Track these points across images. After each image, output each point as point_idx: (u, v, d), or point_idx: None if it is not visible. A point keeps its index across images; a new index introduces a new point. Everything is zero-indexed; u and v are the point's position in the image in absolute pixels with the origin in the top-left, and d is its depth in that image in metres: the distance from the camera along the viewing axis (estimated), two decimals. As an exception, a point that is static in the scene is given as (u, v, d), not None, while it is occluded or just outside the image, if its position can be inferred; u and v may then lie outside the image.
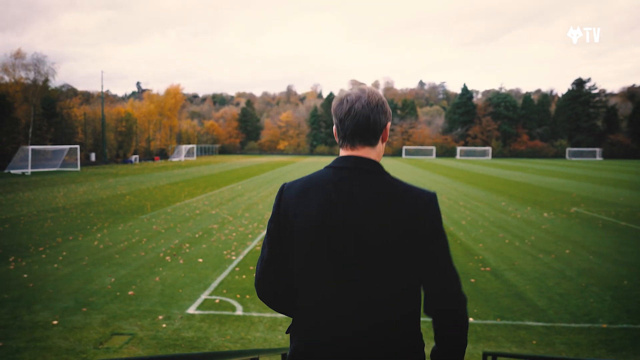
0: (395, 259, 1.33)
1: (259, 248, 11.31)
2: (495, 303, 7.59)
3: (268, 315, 7.02)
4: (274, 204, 1.52)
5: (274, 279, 1.48)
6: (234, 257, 10.38)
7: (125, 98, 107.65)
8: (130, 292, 7.93)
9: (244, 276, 8.93)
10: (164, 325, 6.58)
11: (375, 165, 1.41)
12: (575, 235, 13.04)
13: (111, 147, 58.95)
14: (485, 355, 3.95)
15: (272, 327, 6.60)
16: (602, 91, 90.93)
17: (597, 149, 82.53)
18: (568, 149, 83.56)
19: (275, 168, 46.06)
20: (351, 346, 1.35)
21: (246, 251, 10.99)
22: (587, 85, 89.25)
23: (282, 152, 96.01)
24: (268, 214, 16.49)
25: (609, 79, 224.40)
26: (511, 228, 14.18)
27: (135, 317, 6.88)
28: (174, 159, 66.15)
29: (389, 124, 1.52)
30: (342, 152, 1.48)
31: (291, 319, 1.63)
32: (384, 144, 1.50)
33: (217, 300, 7.62)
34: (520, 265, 9.82)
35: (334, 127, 1.52)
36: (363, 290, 1.34)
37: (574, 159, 79.49)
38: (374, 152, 1.44)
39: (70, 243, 11.64)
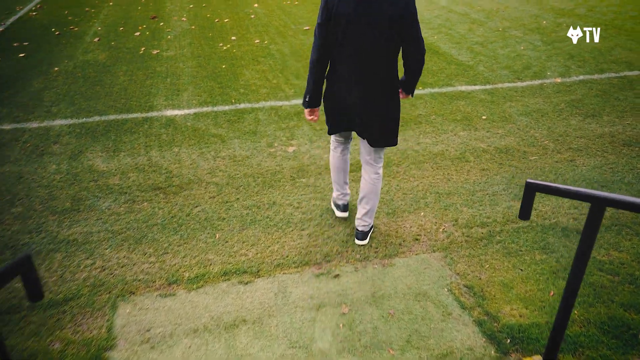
0: (390, 32, 2.28)
1: None
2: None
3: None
4: (321, 3, 2.33)
5: (326, 52, 2.40)
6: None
7: None
8: None
9: None
10: None
11: None
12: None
13: None
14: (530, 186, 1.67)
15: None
16: None
17: None
18: None
19: None
20: (362, 78, 2.39)
21: None
22: None
23: None
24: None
25: None
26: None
27: None
28: None
29: None
30: None
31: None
32: None
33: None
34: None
35: None
36: (374, 49, 2.33)
37: None
38: None
39: None
